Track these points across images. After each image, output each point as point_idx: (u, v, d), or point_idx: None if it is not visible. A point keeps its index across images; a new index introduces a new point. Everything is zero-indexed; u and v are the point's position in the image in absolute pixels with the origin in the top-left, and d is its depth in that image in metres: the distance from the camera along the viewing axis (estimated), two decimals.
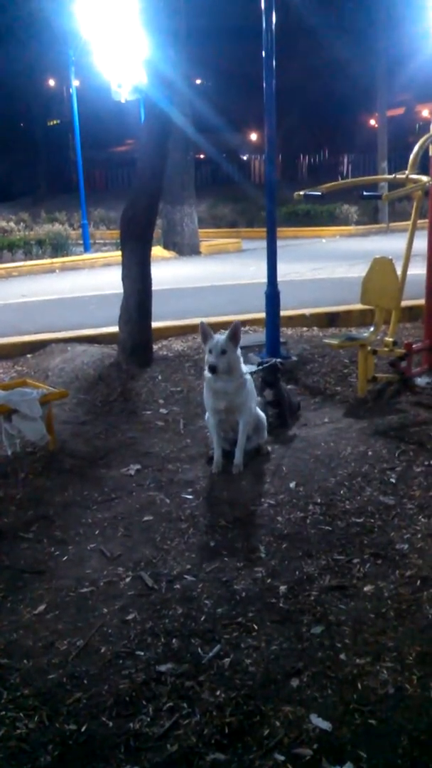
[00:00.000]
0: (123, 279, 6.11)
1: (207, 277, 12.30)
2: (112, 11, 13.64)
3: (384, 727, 2.12)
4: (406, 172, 5.25)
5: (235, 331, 3.93)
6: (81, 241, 16.34)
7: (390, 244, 17.43)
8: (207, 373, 3.99)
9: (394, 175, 5.31)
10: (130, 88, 20.59)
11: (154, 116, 5.96)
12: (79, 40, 15.73)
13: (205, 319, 7.68)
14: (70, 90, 17.98)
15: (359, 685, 2.29)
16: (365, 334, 5.38)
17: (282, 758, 2.02)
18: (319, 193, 5.26)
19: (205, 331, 3.98)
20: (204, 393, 4.16)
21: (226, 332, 3.94)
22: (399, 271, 5.35)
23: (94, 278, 12.99)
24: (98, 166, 32.46)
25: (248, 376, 4.13)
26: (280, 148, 33.32)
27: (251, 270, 12.98)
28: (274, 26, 5.57)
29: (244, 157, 34.36)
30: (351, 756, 2.01)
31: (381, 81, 20.91)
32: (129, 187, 24.24)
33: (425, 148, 5.38)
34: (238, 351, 4.01)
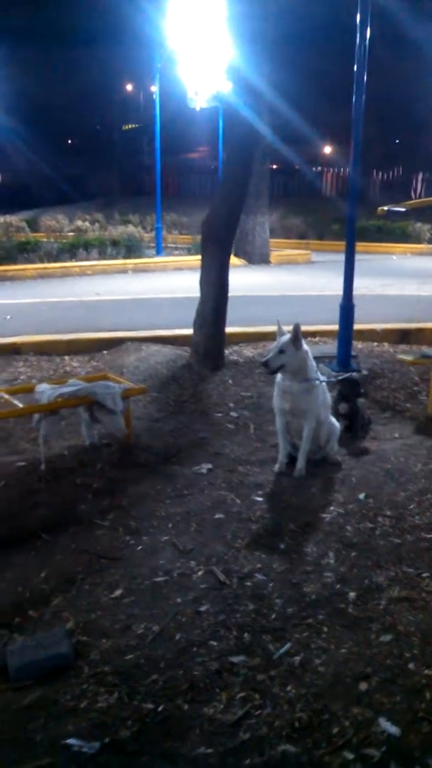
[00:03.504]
0: (201, 283, 6.24)
1: (276, 286, 12.36)
2: (198, 18, 13.90)
3: None
4: None
5: (295, 333, 4.01)
6: (153, 244, 16.62)
7: None
8: (277, 374, 4.11)
9: None
10: (207, 96, 20.86)
11: (240, 123, 6.07)
12: (164, 49, 16.05)
13: (272, 327, 7.83)
14: (150, 96, 18.32)
15: (427, 695, 2.33)
16: None
17: (351, 756, 2.08)
18: (404, 209, 5.28)
19: (279, 330, 4.10)
20: (274, 393, 4.25)
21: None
22: None
23: (166, 281, 13.19)
24: (170, 172, 32.98)
25: (322, 384, 4.19)
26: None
27: (320, 282, 12.97)
28: (368, 41, 5.61)
29: (317, 170, 34.33)
30: (420, 762, 2.06)
31: None
32: (200, 193, 24.47)
33: None
34: (307, 354, 4.08)
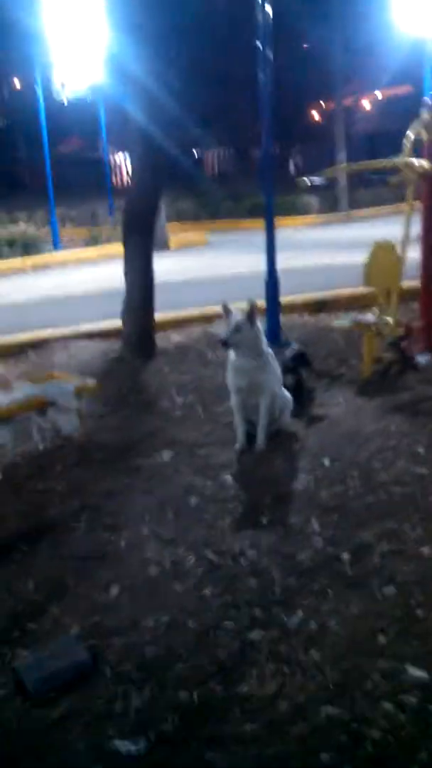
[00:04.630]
0: (126, 273, 6.17)
1: (181, 271, 12.35)
2: (72, 9, 13.63)
3: None
4: (403, 157, 5.41)
5: (251, 309, 4.05)
6: (49, 240, 16.24)
7: (352, 232, 17.73)
8: (230, 352, 4.13)
9: (392, 160, 5.47)
10: (78, 87, 20.51)
11: (134, 115, 5.99)
12: (40, 40, 15.63)
13: (196, 311, 7.85)
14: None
15: None
16: (370, 317, 5.53)
17: (391, 706, 2.15)
18: (323, 179, 5.41)
19: (226, 309, 4.11)
20: (228, 372, 4.27)
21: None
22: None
23: (71, 276, 12.95)
24: (42, 165, 32.06)
25: (273, 359, 4.26)
26: (232, 140, 33.56)
27: (225, 262, 13.09)
28: (270, 16, 5.66)
29: (197, 151, 34.40)
30: None
31: (338, 73, 21.18)
32: (82, 185, 23.97)
33: (418, 134, 5.57)
34: (260, 332, 4.13)
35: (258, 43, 5.66)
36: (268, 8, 5.79)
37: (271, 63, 5.67)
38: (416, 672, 2.28)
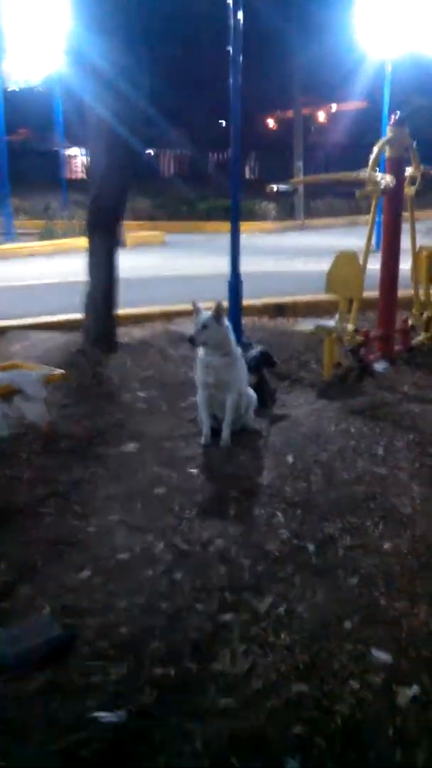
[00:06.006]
0: (90, 267, 6.19)
1: (139, 269, 12.35)
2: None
3: None
4: (368, 171, 5.61)
5: (217, 308, 4.18)
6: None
7: (306, 240, 18.10)
8: (199, 349, 4.24)
9: (357, 174, 5.66)
10: (31, 77, 20.27)
11: (102, 107, 6.00)
12: None
13: (157, 308, 7.91)
14: None
15: (405, 625, 2.58)
16: (331, 323, 5.71)
17: (357, 685, 2.28)
18: (290, 187, 5.55)
19: (196, 308, 4.24)
20: (196, 368, 4.37)
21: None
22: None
23: (25, 267, 12.82)
24: None
25: (241, 357, 4.37)
26: (189, 144, 33.65)
27: (181, 263, 13.19)
28: (241, 23, 5.78)
29: (152, 152, 34.35)
30: (416, 681, 2.30)
31: (297, 82, 21.54)
32: (35, 177, 23.62)
33: (382, 150, 5.79)
34: (228, 330, 4.25)
35: (229, 48, 5.77)
36: (240, 15, 5.90)
37: (241, 68, 5.77)
38: (380, 655, 2.41)
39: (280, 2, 19.51)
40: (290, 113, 32.68)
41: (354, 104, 28.75)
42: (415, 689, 2.26)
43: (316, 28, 19.87)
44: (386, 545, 3.14)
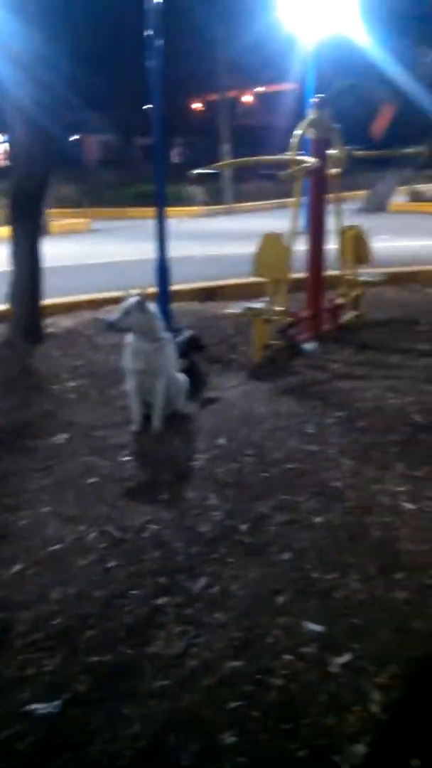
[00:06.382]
0: (13, 256, 6.06)
1: (65, 256, 12.18)
2: None
3: (367, 625, 2.47)
4: (291, 153, 5.65)
5: (140, 295, 4.18)
6: None
7: (234, 224, 18.15)
8: (128, 335, 4.22)
9: (280, 156, 5.70)
10: None
11: (22, 92, 5.87)
12: None
13: (85, 296, 7.82)
14: None
15: (336, 596, 2.64)
16: (260, 305, 5.74)
17: (291, 657, 2.32)
18: (214, 171, 5.54)
19: (126, 295, 4.20)
20: (125, 354, 4.34)
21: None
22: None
23: None
24: None
25: (168, 342, 4.36)
26: (115, 129, 33.20)
27: (109, 249, 13.06)
28: (160, 3, 5.71)
29: (77, 137, 33.76)
30: (347, 649, 2.35)
31: (222, 66, 21.48)
32: None
33: (305, 132, 5.84)
34: (153, 316, 4.24)
35: (149, 31, 5.71)
36: None
37: (162, 51, 5.71)
38: (313, 626, 2.46)
39: None
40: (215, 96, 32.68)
41: (282, 86, 28.87)
42: (347, 657, 2.32)
43: (241, 9, 19.84)
44: (317, 519, 3.19)
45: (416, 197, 21.65)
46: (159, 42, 5.70)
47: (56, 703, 2.12)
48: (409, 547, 2.96)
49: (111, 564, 2.90)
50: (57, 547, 3.06)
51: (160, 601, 2.63)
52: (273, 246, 5.66)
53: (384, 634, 2.42)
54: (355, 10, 13.91)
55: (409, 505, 3.30)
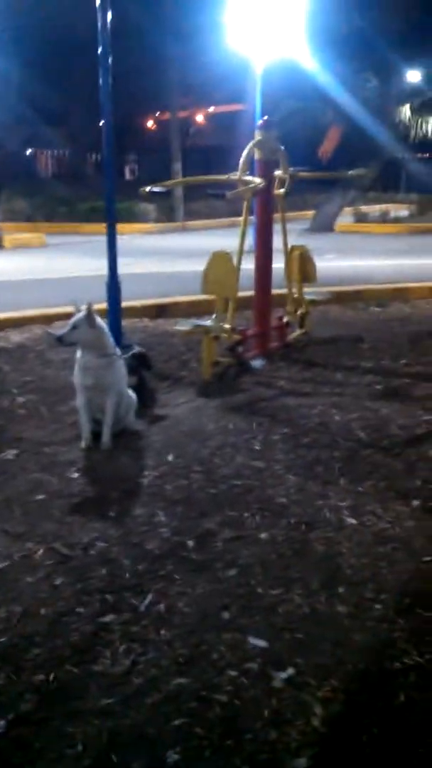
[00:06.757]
0: None
1: (19, 271, 12.10)
2: None
3: (309, 639, 2.53)
4: (238, 173, 5.76)
5: (88, 310, 4.18)
6: None
7: (186, 241, 18.25)
8: (78, 351, 4.23)
9: (228, 176, 5.79)
10: None
11: None
12: None
13: (36, 311, 7.77)
14: None
15: (280, 611, 2.69)
16: (209, 322, 5.81)
17: (235, 673, 2.35)
18: (164, 189, 5.60)
19: (77, 309, 4.23)
20: (75, 370, 4.34)
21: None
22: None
23: None
24: None
25: (120, 359, 4.39)
26: (69, 144, 33.09)
27: (64, 264, 12.99)
28: (109, 24, 5.75)
29: (30, 151, 33.54)
30: (290, 663, 2.40)
31: (174, 85, 21.66)
32: None
33: (251, 153, 5.95)
34: (102, 331, 4.26)
35: (99, 49, 5.75)
36: (109, 15, 5.88)
37: (110, 69, 5.75)
38: (257, 641, 2.50)
39: (154, 3, 19.57)
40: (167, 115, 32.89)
41: (232, 107, 29.25)
42: (289, 671, 2.36)
43: (193, 30, 20.06)
44: (263, 535, 3.25)
45: (361, 218, 22.21)
46: (108, 59, 5.73)
47: (0, 723, 2.11)
48: (351, 561, 3.03)
49: (58, 581, 2.89)
50: (4, 564, 3.04)
51: (107, 618, 2.64)
52: (221, 264, 5.74)
53: (325, 648, 2.48)
54: (302, 34, 14.24)
55: (351, 520, 3.38)
